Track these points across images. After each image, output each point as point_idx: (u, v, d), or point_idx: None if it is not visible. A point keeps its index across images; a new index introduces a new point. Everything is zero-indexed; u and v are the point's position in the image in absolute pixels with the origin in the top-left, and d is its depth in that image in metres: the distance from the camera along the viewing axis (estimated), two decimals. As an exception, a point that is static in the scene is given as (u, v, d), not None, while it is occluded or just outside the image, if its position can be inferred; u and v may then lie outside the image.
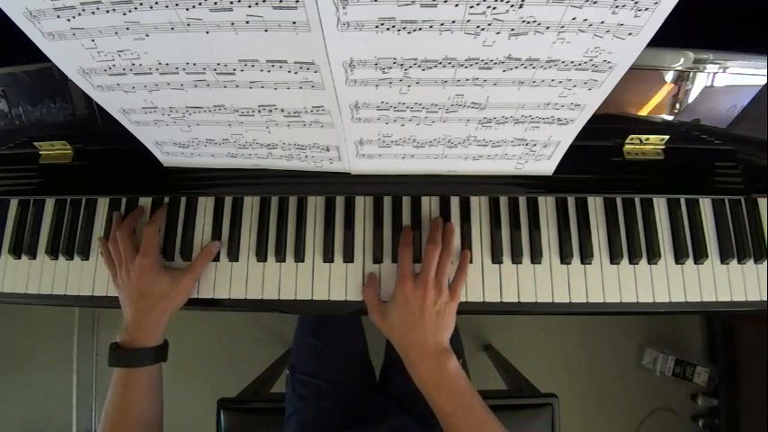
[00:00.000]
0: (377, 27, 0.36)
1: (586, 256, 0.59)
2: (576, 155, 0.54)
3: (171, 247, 0.62)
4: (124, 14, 0.37)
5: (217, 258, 0.62)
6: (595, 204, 0.62)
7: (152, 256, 0.58)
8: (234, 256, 0.62)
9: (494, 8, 0.34)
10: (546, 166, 0.57)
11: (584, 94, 0.44)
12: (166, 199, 0.64)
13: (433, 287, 0.54)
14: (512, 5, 0.34)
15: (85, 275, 0.63)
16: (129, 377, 0.55)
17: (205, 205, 0.64)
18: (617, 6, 0.34)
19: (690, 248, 0.60)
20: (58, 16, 0.37)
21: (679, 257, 0.59)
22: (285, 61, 0.40)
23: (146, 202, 0.65)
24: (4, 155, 0.66)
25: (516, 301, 0.59)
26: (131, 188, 0.64)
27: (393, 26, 0.36)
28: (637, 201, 0.61)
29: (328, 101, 0.45)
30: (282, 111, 0.48)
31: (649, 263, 0.60)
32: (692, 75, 0.51)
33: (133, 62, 0.42)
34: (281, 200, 0.63)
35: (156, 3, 0.35)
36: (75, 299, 0.63)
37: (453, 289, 0.56)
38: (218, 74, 0.43)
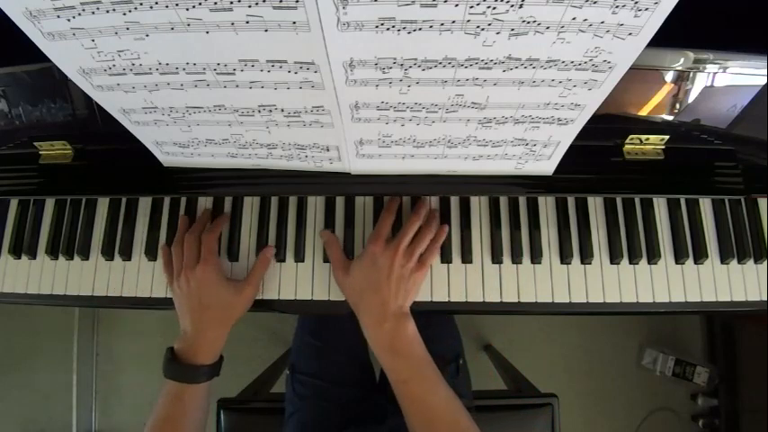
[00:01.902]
0: (377, 27, 0.36)
1: (586, 256, 0.59)
2: (576, 155, 0.54)
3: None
4: (124, 14, 0.36)
5: (217, 258, 0.62)
6: (595, 204, 0.62)
7: (213, 263, 0.56)
8: (234, 256, 0.62)
9: (494, 8, 0.34)
10: (546, 166, 0.57)
11: (584, 94, 0.44)
12: (167, 199, 0.64)
13: (404, 252, 0.54)
14: (512, 5, 0.34)
15: (85, 275, 0.63)
16: (183, 391, 0.54)
17: (205, 205, 0.64)
18: (617, 6, 0.34)
19: (690, 248, 0.60)
20: (58, 16, 0.37)
21: (679, 257, 0.59)
22: (285, 61, 0.40)
23: (147, 201, 0.64)
24: (4, 155, 0.66)
25: (516, 301, 0.59)
26: (131, 188, 0.64)
27: (393, 26, 0.36)
28: (637, 201, 0.61)
29: (328, 101, 0.45)
30: (282, 111, 0.48)
31: (649, 263, 0.60)
32: (692, 75, 0.51)
33: (133, 62, 0.42)
34: (281, 200, 0.63)
35: (156, 3, 0.35)
36: (75, 299, 0.63)
37: (423, 259, 0.56)
38: (218, 74, 0.43)
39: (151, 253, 0.63)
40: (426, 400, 0.52)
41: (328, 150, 0.54)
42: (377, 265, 0.54)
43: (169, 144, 0.56)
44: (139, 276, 0.62)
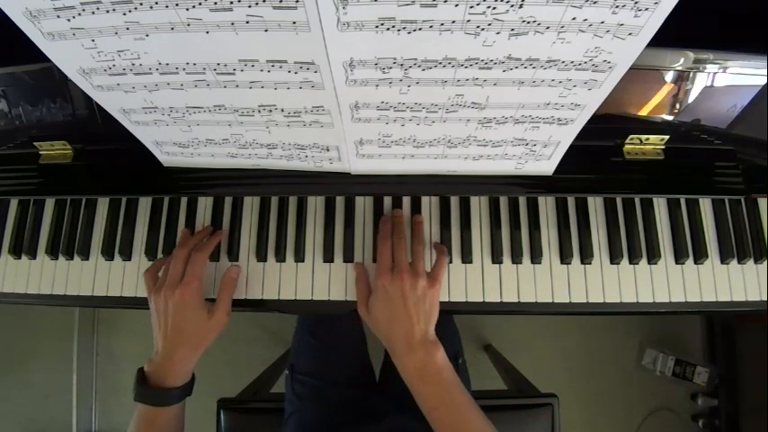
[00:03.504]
0: (377, 27, 0.36)
1: (586, 256, 0.59)
2: (576, 155, 0.54)
3: (170, 248, 0.62)
4: (124, 14, 0.37)
5: (216, 258, 0.62)
6: (595, 204, 0.62)
7: (193, 287, 0.55)
8: (234, 256, 0.62)
9: (494, 8, 0.34)
10: (546, 166, 0.57)
11: (585, 94, 0.44)
12: (167, 199, 0.64)
13: (409, 273, 0.54)
14: (512, 5, 0.34)
15: (85, 275, 0.63)
16: (155, 415, 0.53)
17: (205, 205, 0.64)
18: (617, 6, 0.34)
19: (690, 248, 0.60)
20: (58, 16, 0.37)
21: (679, 257, 0.59)
22: (285, 61, 0.40)
23: (147, 201, 0.64)
24: (4, 155, 0.66)
25: (516, 301, 0.59)
26: (131, 188, 0.64)
27: (393, 26, 0.36)
28: (637, 201, 0.61)
29: (328, 101, 0.45)
30: (282, 111, 0.48)
31: (649, 263, 0.60)
32: (692, 75, 0.51)
33: (133, 62, 0.42)
34: (281, 200, 0.63)
35: (156, 3, 0.35)
36: (75, 299, 0.63)
37: (433, 275, 0.56)
38: (218, 74, 0.43)
39: (151, 253, 0.63)
40: (458, 425, 0.51)
41: (328, 150, 0.54)
42: (390, 297, 0.54)
43: (169, 144, 0.56)
44: (139, 276, 0.62)
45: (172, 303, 0.54)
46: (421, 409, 0.52)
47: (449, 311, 0.60)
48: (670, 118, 0.56)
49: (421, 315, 0.53)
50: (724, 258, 0.60)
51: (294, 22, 0.36)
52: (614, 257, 0.59)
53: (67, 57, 0.42)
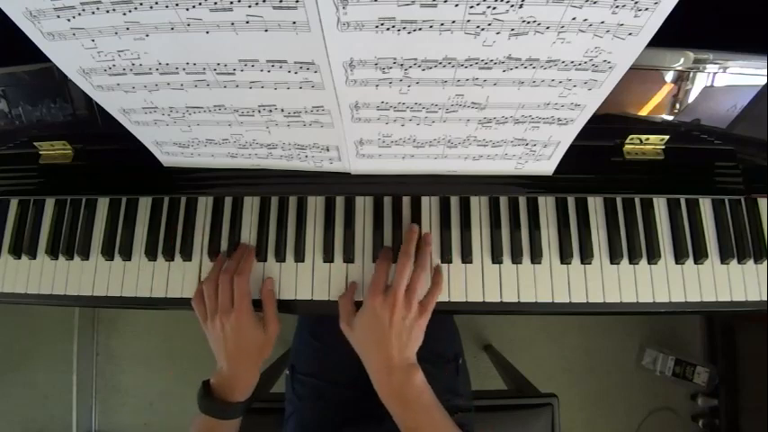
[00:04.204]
0: (377, 27, 0.36)
1: (586, 256, 0.59)
2: (576, 155, 0.54)
3: (171, 248, 0.62)
4: (124, 14, 0.37)
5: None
6: (595, 204, 0.62)
7: (246, 308, 0.57)
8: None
9: (494, 8, 0.34)
10: (546, 166, 0.57)
11: (584, 94, 0.44)
12: (167, 199, 0.64)
13: (403, 303, 0.54)
14: (512, 5, 0.34)
15: (85, 275, 0.63)
16: (217, 427, 0.56)
17: (205, 205, 0.64)
18: (617, 6, 0.34)
19: (690, 248, 0.60)
20: (58, 16, 0.37)
21: (679, 257, 0.59)
22: (285, 61, 0.40)
23: (147, 201, 0.64)
24: (4, 155, 0.66)
25: (516, 301, 0.59)
26: (131, 188, 0.64)
27: (393, 26, 0.36)
28: (637, 201, 0.61)
29: (328, 101, 0.45)
30: (282, 111, 0.48)
31: (649, 263, 0.59)
32: (692, 75, 0.51)
33: (133, 62, 0.42)
34: (281, 200, 0.63)
35: (156, 3, 0.35)
36: (75, 299, 0.63)
37: (424, 305, 0.55)
38: (218, 74, 0.43)
39: (151, 253, 0.63)
40: None
41: (328, 150, 0.54)
42: (378, 319, 0.54)
43: (169, 144, 0.56)
44: (139, 276, 0.62)
45: (229, 327, 0.56)
46: (401, 429, 0.53)
47: (449, 311, 0.60)
48: (670, 118, 0.56)
49: (404, 343, 0.54)
50: (724, 258, 0.60)
51: (294, 22, 0.36)
52: (614, 257, 0.59)
53: (67, 57, 0.42)
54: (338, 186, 0.61)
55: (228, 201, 0.64)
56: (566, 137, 0.51)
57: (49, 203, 0.66)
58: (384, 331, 0.53)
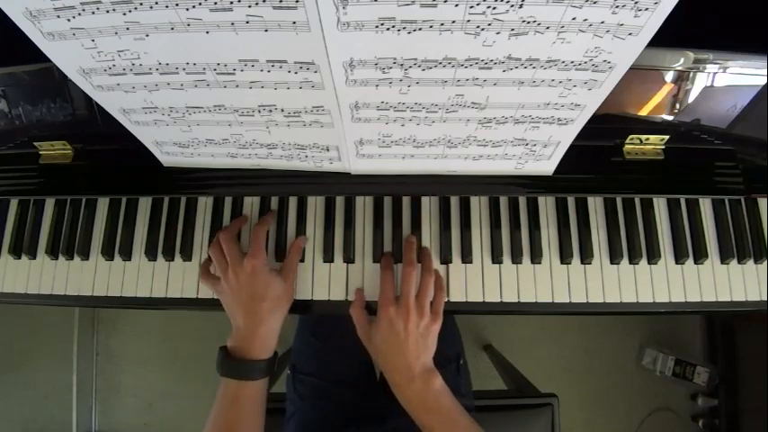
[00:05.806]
0: (377, 27, 0.36)
1: (586, 256, 0.59)
2: (576, 155, 0.54)
3: (171, 248, 0.62)
4: (124, 14, 0.37)
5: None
6: (595, 204, 0.62)
7: (261, 257, 0.56)
8: (234, 256, 0.62)
9: (494, 8, 0.34)
10: (546, 166, 0.57)
11: (584, 94, 0.44)
12: (167, 199, 0.64)
13: (415, 310, 0.54)
14: (512, 5, 0.34)
15: (85, 275, 0.63)
16: (239, 390, 0.53)
17: (205, 205, 0.64)
18: (617, 6, 0.34)
19: (690, 248, 0.60)
20: (58, 16, 0.37)
21: (679, 257, 0.59)
22: (285, 61, 0.40)
23: (147, 201, 0.64)
24: (4, 155, 0.66)
25: (516, 301, 0.59)
26: (131, 188, 0.64)
27: (393, 26, 0.36)
28: (637, 201, 0.61)
29: (328, 101, 0.45)
30: (282, 111, 0.48)
31: (649, 263, 0.59)
32: (692, 75, 0.51)
33: (133, 62, 0.42)
34: (281, 200, 0.63)
35: (156, 3, 0.35)
36: (75, 299, 0.63)
37: (435, 310, 0.56)
38: (218, 74, 0.43)
39: (151, 253, 0.63)
40: None
41: (328, 150, 0.54)
42: (394, 330, 0.54)
43: (169, 144, 0.56)
44: (139, 276, 0.62)
45: (244, 276, 0.55)
46: None
47: (449, 311, 0.60)
48: (670, 118, 0.56)
49: (421, 350, 0.54)
50: (724, 258, 0.60)
51: (294, 22, 0.36)
52: (614, 257, 0.59)
53: (67, 57, 0.42)
54: (338, 186, 0.61)
55: (228, 201, 0.64)
56: (566, 137, 0.51)
57: (49, 203, 0.66)
58: (400, 341, 0.54)
